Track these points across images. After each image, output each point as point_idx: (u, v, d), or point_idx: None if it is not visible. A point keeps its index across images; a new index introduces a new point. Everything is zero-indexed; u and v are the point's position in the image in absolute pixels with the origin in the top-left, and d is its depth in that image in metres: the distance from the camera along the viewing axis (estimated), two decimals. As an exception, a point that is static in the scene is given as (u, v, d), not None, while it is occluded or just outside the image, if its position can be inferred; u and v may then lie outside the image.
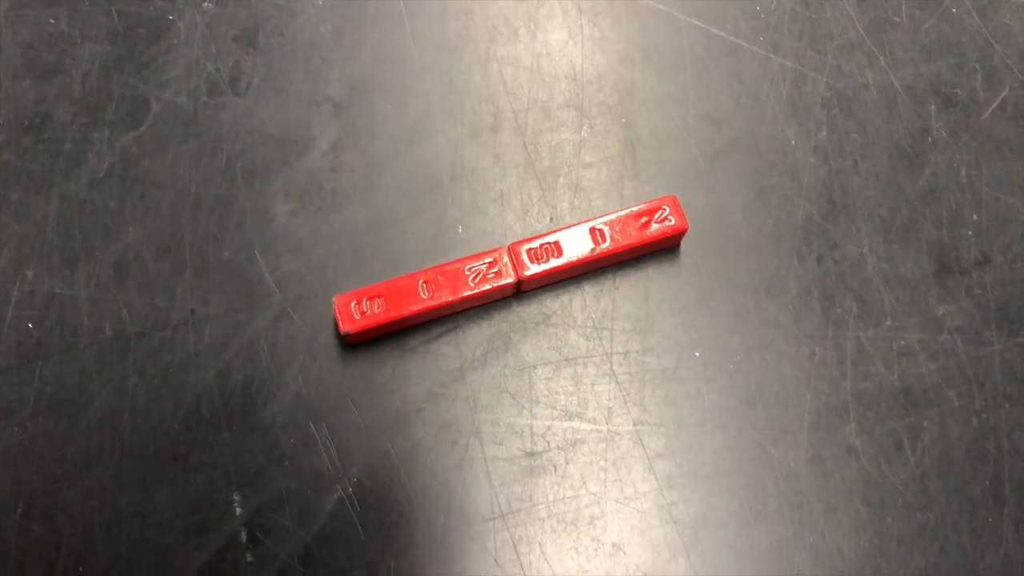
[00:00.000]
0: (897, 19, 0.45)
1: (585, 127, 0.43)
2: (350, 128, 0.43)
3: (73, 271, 0.39)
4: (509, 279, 0.38)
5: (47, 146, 0.42)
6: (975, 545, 0.37)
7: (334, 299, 0.37)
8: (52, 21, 0.44)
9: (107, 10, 0.44)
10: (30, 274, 0.39)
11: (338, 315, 0.37)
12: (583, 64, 0.44)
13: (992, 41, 0.45)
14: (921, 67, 0.44)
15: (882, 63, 0.44)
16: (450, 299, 0.37)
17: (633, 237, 0.39)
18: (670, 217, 0.39)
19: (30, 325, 0.39)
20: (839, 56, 0.44)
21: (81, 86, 0.43)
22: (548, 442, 0.38)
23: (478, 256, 0.38)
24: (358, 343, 0.38)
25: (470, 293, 0.38)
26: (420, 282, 0.38)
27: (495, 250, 0.38)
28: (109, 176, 0.41)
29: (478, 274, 0.38)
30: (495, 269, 0.38)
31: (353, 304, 0.37)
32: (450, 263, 0.38)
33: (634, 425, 0.38)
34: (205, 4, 0.45)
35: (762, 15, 0.45)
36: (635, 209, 0.39)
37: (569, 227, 0.39)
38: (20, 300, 0.39)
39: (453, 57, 0.44)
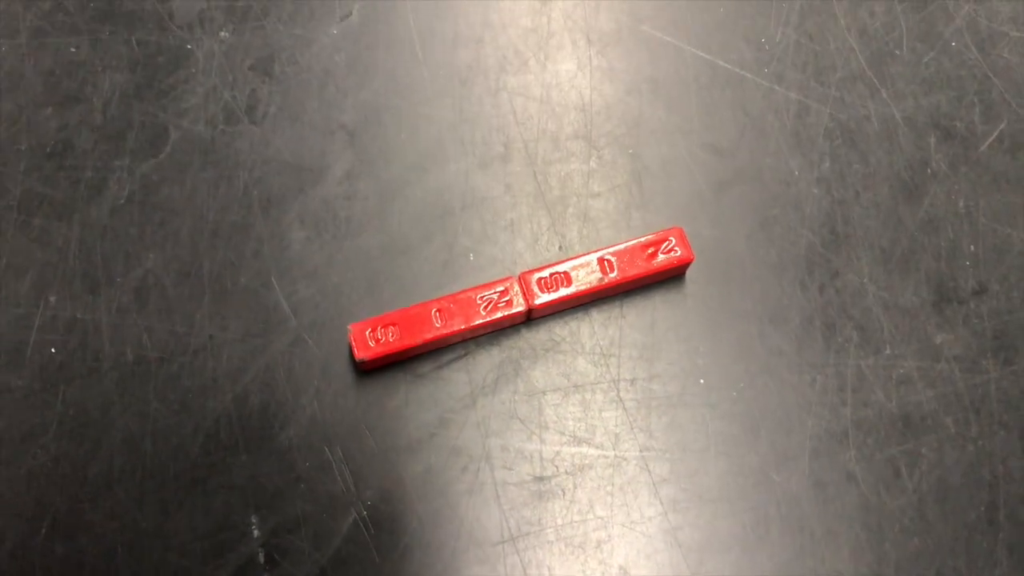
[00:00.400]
0: (898, 52, 0.46)
1: (593, 157, 0.44)
2: (363, 156, 0.44)
3: (95, 296, 0.41)
4: (520, 308, 0.39)
5: (69, 173, 0.43)
6: (971, 569, 0.38)
7: (349, 327, 0.38)
8: (73, 50, 0.45)
9: (127, 39, 0.46)
10: (53, 299, 0.40)
11: (353, 343, 0.38)
12: (591, 95, 0.45)
13: (991, 75, 0.46)
14: (921, 100, 0.45)
15: (884, 95, 0.45)
16: (462, 327, 0.38)
17: (640, 267, 0.40)
18: (676, 248, 0.40)
19: (53, 349, 0.40)
20: (842, 88, 0.46)
21: (102, 114, 0.44)
22: (557, 467, 0.39)
23: (489, 285, 0.39)
24: (371, 369, 0.39)
25: (482, 321, 0.39)
26: (433, 311, 0.39)
27: (506, 279, 0.39)
28: (129, 203, 0.42)
29: (489, 303, 0.39)
30: (506, 298, 0.39)
31: (368, 332, 0.38)
32: (462, 292, 0.39)
33: (640, 451, 0.39)
34: (222, 33, 0.46)
35: (767, 47, 0.46)
36: (642, 240, 0.40)
37: (578, 257, 0.40)
38: (43, 324, 0.40)
39: (464, 87, 0.45)
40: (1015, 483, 0.39)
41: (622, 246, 0.40)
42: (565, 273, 0.40)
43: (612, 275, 0.40)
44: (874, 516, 0.38)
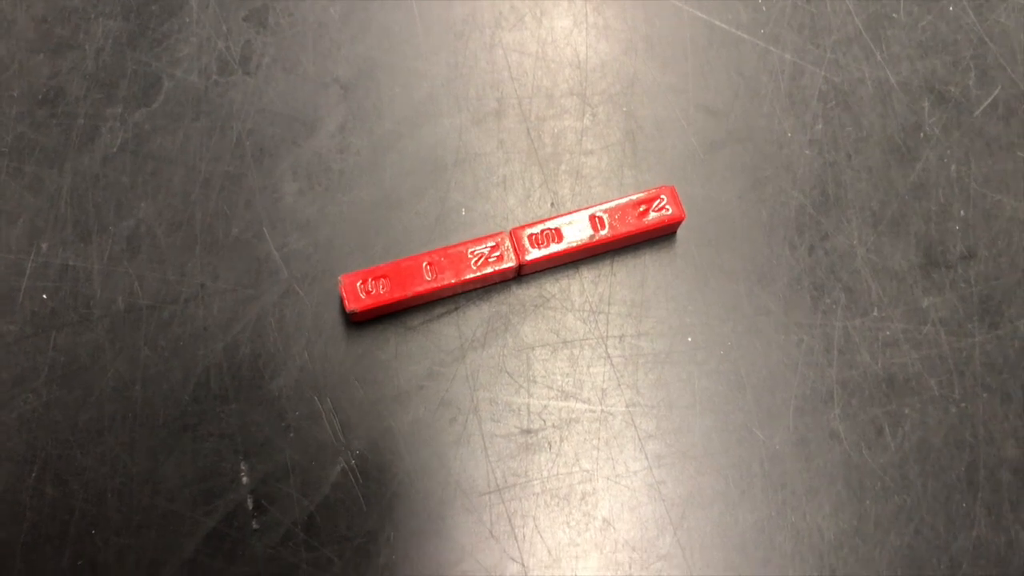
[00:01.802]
0: (895, 15, 0.46)
1: (587, 115, 0.44)
2: (357, 109, 0.44)
3: (87, 244, 0.41)
4: (510, 263, 0.39)
5: (60, 120, 0.43)
6: (949, 528, 0.38)
7: (340, 278, 0.39)
8: (66, -4, 0.45)
9: (120, -14, 0.45)
10: (44, 246, 0.40)
11: (344, 294, 0.38)
12: (587, 52, 0.45)
13: (987, 40, 0.46)
14: (916, 64, 0.45)
15: (878, 58, 0.45)
16: (453, 281, 0.39)
17: (631, 225, 0.40)
18: (667, 206, 0.40)
19: (44, 296, 0.40)
20: (837, 51, 0.45)
21: (94, 61, 0.44)
22: (544, 420, 0.39)
23: (480, 240, 0.39)
24: (362, 321, 0.40)
25: (472, 276, 0.39)
26: (424, 264, 0.39)
27: (497, 234, 0.40)
28: (122, 152, 0.42)
29: (480, 257, 0.39)
30: (497, 253, 0.39)
31: (359, 284, 0.38)
32: (453, 246, 0.39)
33: (627, 406, 0.39)
34: (217, -17, 0.45)
35: (763, 8, 0.46)
36: (634, 198, 0.40)
37: (569, 213, 0.40)
38: (35, 271, 0.40)
39: (459, 42, 0.45)
40: (995, 445, 0.40)
41: (614, 203, 0.40)
42: (556, 229, 0.40)
43: (603, 232, 0.40)
44: (856, 474, 0.39)
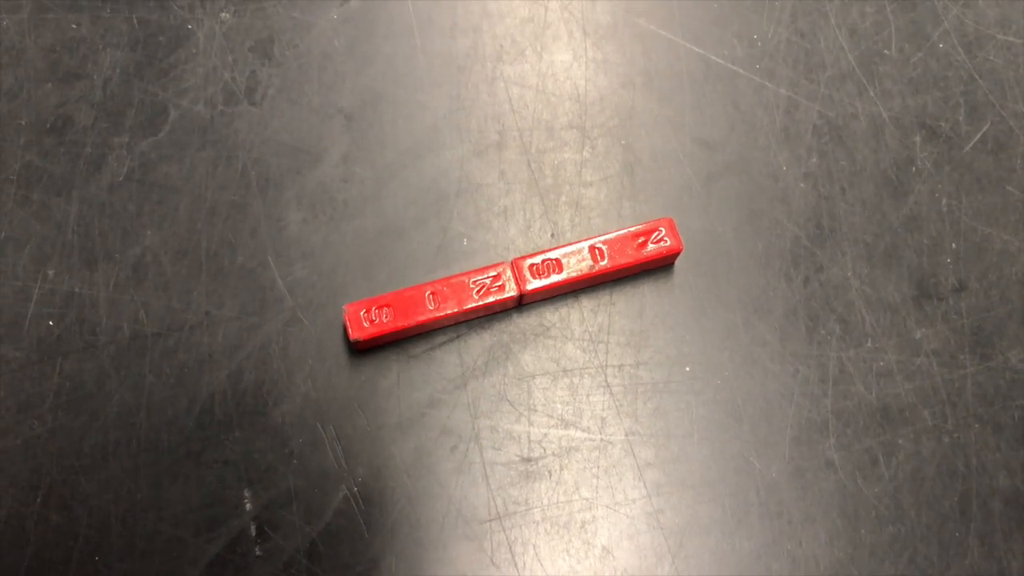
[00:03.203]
0: (887, 52, 0.47)
1: (587, 147, 0.45)
2: (361, 140, 0.44)
3: (93, 271, 0.41)
4: (511, 293, 0.40)
5: (68, 149, 0.43)
6: (942, 557, 0.39)
7: (344, 307, 0.39)
8: (75, 26, 0.46)
9: (128, 17, 0.46)
10: (51, 273, 0.41)
11: (348, 323, 0.39)
12: (586, 86, 0.46)
13: (976, 77, 0.47)
14: (908, 99, 0.46)
15: (871, 94, 0.46)
16: (455, 311, 0.39)
17: (630, 256, 0.41)
18: (666, 238, 0.41)
19: (51, 322, 0.40)
20: (831, 86, 0.46)
21: (102, 91, 0.44)
22: (544, 449, 0.40)
23: (482, 270, 0.40)
24: (365, 349, 0.40)
25: (474, 305, 0.39)
26: (427, 293, 0.39)
27: (498, 264, 0.40)
28: (128, 180, 0.43)
29: (482, 287, 0.40)
30: (499, 283, 0.40)
31: (362, 312, 0.39)
32: (455, 276, 0.40)
33: (626, 435, 0.40)
34: (223, 15, 0.46)
35: (759, 43, 0.47)
36: (633, 229, 0.41)
37: (569, 244, 0.41)
38: (41, 298, 0.41)
39: (461, 75, 0.46)
40: (987, 475, 0.40)
41: (613, 235, 0.41)
42: (557, 260, 0.40)
43: (603, 263, 0.40)
44: (851, 503, 0.39)
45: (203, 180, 0.43)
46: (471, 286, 0.40)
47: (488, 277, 0.40)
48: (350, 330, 0.39)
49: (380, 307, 0.39)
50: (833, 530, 0.39)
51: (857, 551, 0.39)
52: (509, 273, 0.40)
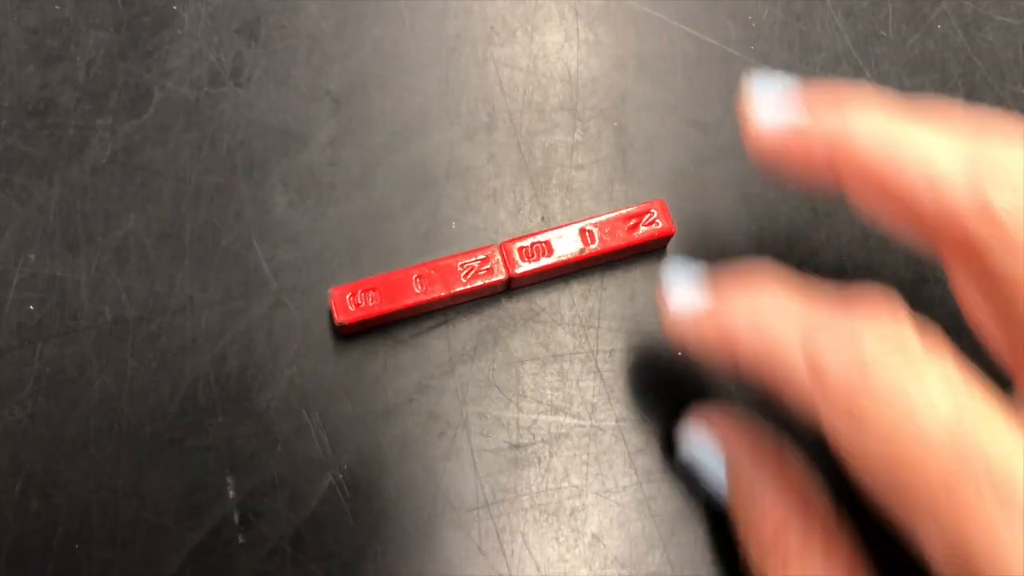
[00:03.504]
0: (884, 33, 0.47)
1: (578, 130, 0.44)
2: (348, 123, 0.44)
3: (74, 255, 0.40)
4: (500, 276, 0.39)
5: (51, 131, 0.43)
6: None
7: (330, 291, 0.38)
8: (57, 7, 0.45)
9: (112, -2, 0.45)
10: (32, 257, 0.40)
11: (333, 306, 0.38)
12: (578, 67, 0.45)
13: (975, 58, 0.46)
14: (905, 81, 0.46)
15: (868, 76, 0.46)
16: (442, 294, 0.39)
17: (621, 239, 0.40)
18: (658, 220, 0.40)
19: (31, 307, 0.40)
20: (827, 68, 0.46)
21: (85, 73, 0.44)
22: (533, 435, 0.39)
23: (471, 253, 0.39)
24: (351, 334, 0.40)
25: (462, 288, 0.39)
26: (414, 276, 0.39)
27: (487, 247, 0.39)
28: (111, 163, 0.42)
29: (470, 270, 0.39)
30: (487, 266, 0.39)
31: (348, 296, 0.38)
32: (443, 259, 0.39)
33: (616, 421, 0.39)
34: (209, -4, 0.46)
35: (753, 25, 0.47)
36: (624, 212, 0.40)
37: (560, 227, 0.40)
38: (22, 282, 0.40)
39: (451, 56, 0.45)
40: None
41: (604, 217, 0.40)
42: (546, 242, 0.40)
43: (593, 246, 0.40)
44: (847, 487, 0.39)
45: (187, 163, 0.42)
46: (459, 269, 0.39)
47: (477, 260, 0.39)
48: (335, 314, 0.38)
49: (366, 291, 0.38)
50: (827, 517, 0.38)
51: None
52: (498, 256, 0.39)
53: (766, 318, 0.30)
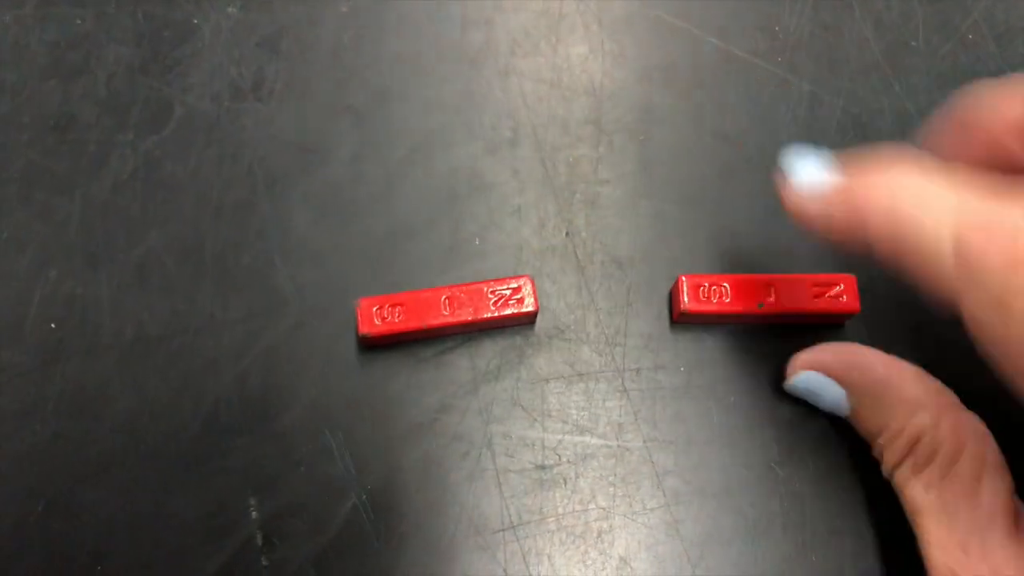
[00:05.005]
0: (914, 43, 0.46)
1: (603, 144, 0.43)
2: (370, 138, 0.43)
3: (95, 272, 0.40)
4: (530, 308, 0.38)
5: (71, 147, 0.42)
6: (973, 569, 0.37)
7: (358, 300, 0.38)
8: (79, 22, 0.45)
9: (133, 12, 0.45)
10: (53, 274, 0.40)
11: (359, 316, 0.38)
12: (602, 80, 0.45)
13: (1007, 70, 0.45)
14: (936, 94, 0.45)
15: (897, 89, 0.45)
16: (469, 319, 0.38)
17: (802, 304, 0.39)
18: (843, 295, 0.39)
19: (52, 325, 0.39)
20: (855, 80, 0.45)
21: (106, 88, 0.43)
22: (559, 456, 0.38)
23: (502, 280, 0.39)
24: (373, 347, 0.39)
25: (490, 316, 0.38)
26: (443, 298, 0.38)
27: (519, 277, 0.39)
28: (132, 179, 0.42)
29: (500, 298, 0.38)
30: (518, 296, 0.38)
31: (375, 308, 0.38)
32: (473, 283, 0.38)
33: (644, 441, 0.39)
34: (229, 9, 0.45)
35: (781, 36, 0.46)
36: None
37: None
38: (43, 299, 0.40)
39: (473, 69, 0.45)
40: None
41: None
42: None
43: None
44: (879, 515, 0.38)
45: (208, 179, 0.42)
46: (489, 296, 0.38)
47: (508, 288, 0.39)
48: (360, 324, 0.38)
49: (393, 305, 0.38)
50: (860, 543, 0.37)
51: (885, 566, 0.37)
52: (529, 287, 0.39)
53: (909, 201, 0.29)
